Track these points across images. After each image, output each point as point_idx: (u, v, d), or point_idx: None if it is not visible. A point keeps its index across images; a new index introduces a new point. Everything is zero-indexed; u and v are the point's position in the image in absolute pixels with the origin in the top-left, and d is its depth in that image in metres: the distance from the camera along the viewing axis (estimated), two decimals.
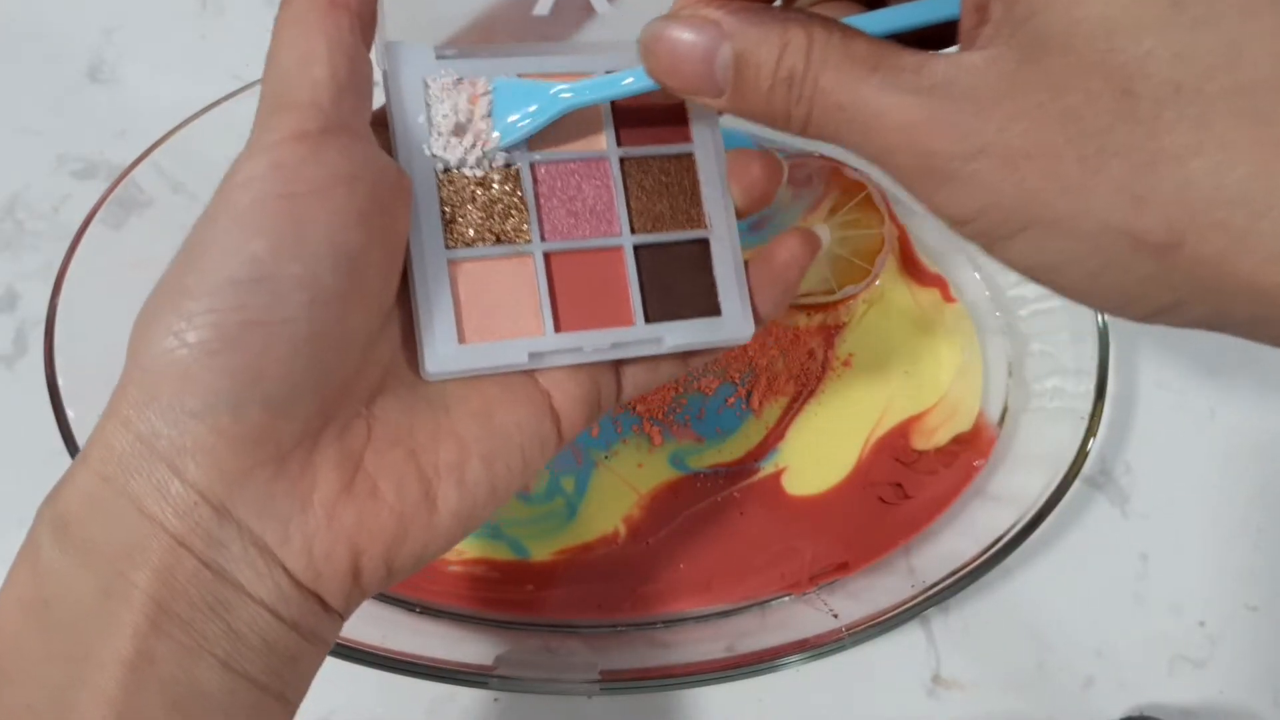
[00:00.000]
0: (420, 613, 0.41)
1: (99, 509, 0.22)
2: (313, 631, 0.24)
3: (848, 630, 0.39)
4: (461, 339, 0.27)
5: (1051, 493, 0.41)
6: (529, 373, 0.28)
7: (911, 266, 0.48)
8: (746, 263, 0.31)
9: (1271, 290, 0.19)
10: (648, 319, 0.29)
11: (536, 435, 0.27)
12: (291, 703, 0.24)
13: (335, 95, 0.24)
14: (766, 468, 0.44)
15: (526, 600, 0.41)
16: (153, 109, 0.42)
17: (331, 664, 0.36)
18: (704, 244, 0.30)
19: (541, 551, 0.42)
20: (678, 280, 0.30)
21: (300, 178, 0.23)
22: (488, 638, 0.40)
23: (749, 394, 0.45)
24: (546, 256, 0.28)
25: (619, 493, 0.43)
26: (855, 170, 0.48)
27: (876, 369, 0.46)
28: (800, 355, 0.46)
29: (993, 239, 0.22)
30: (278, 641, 0.23)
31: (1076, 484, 0.41)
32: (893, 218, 0.47)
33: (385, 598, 0.41)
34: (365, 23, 0.25)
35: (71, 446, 0.38)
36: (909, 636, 0.43)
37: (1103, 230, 0.20)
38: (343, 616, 0.25)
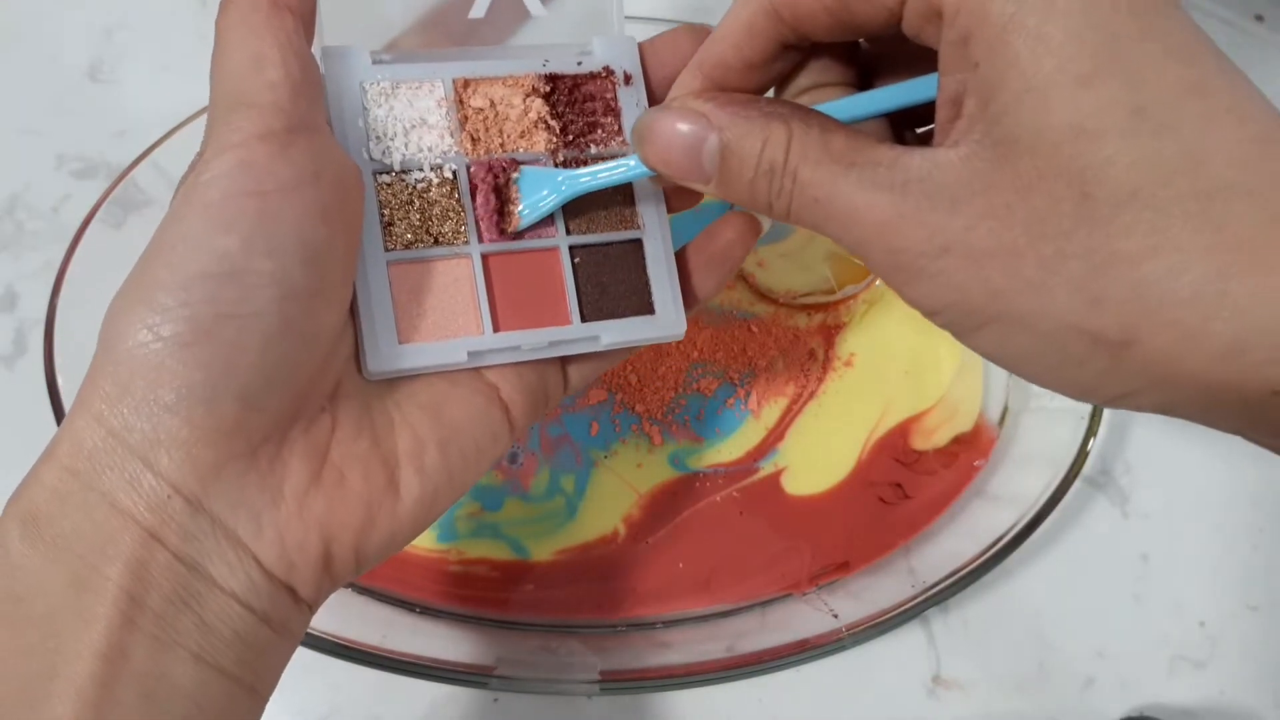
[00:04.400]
0: (420, 613, 0.41)
1: (69, 504, 0.22)
2: (283, 624, 0.24)
3: (848, 630, 0.39)
4: (401, 339, 0.28)
5: (1051, 493, 0.41)
6: (474, 368, 0.29)
7: None
8: (686, 247, 0.31)
9: (1220, 385, 0.20)
10: (583, 318, 0.30)
11: (487, 426, 0.28)
12: (261, 695, 0.25)
13: (293, 94, 0.24)
14: (766, 468, 0.44)
15: (526, 600, 0.41)
16: (153, 109, 0.42)
17: (331, 664, 0.36)
18: (637, 244, 0.31)
19: (541, 551, 0.42)
20: (612, 279, 0.30)
21: (269, 176, 0.23)
22: (488, 638, 0.40)
23: (748, 394, 0.45)
24: (484, 258, 0.29)
25: (619, 492, 0.43)
26: None
27: (876, 369, 0.46)
28: (800, 355, 0.46)
29: (961, 330, 0.23)
30: (249, 634, 0.24)
31: (1076, 484, 0.41)
32: None
33: (385, 598, 0.41)
34: (306, 23, 0.26)
35: None
36: (909, 636, 0.43)
37: (1060, 328, 0.21)
38: (312, 609, 0.26)
